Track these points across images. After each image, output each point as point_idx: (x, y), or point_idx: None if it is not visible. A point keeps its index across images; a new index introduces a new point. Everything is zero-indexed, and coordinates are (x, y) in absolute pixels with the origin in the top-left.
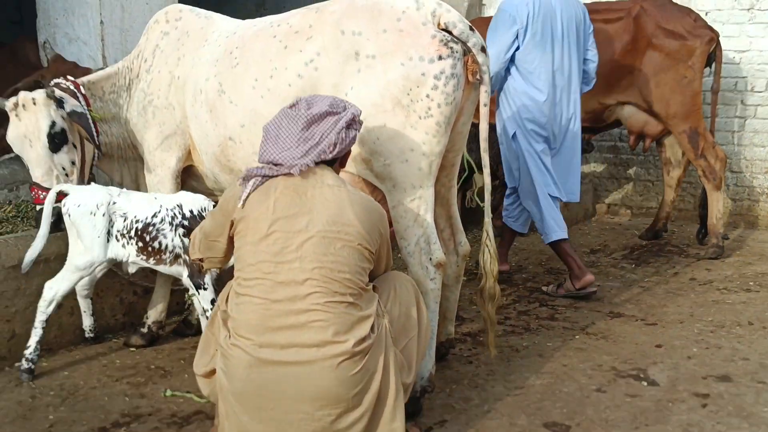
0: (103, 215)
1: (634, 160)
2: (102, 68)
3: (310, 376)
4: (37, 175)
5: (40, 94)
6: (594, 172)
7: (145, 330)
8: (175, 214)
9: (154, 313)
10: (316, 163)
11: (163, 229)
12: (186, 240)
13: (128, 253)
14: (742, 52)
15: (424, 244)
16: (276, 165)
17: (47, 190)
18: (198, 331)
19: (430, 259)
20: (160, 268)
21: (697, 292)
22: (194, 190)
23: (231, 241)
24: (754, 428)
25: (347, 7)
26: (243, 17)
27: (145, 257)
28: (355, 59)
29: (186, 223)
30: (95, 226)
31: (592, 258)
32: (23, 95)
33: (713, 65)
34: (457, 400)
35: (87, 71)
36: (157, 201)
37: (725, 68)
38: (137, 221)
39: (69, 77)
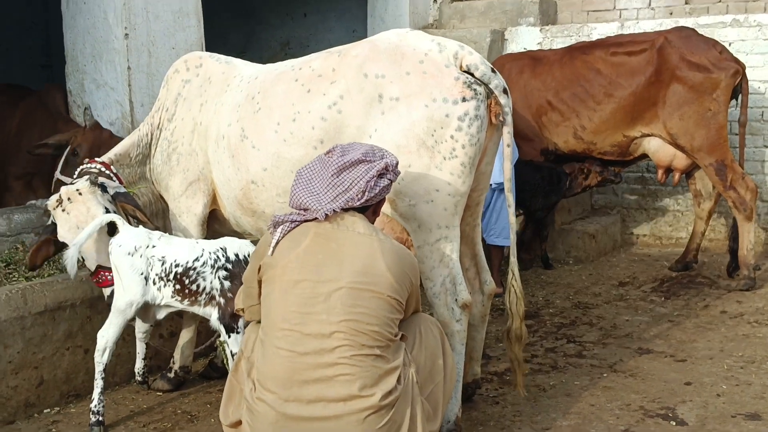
0: (141, 257)
1: (662, 190)
2: (129, 121)
3: (337, 431)
4: (102, 258)
5: (83, 184)
6: (622, 203)
7: (171, 374)
8: (218, 257)
9: (181, 357)
10: (347, 210)
11: (203, 272)
12: (226, 282)
13: (162, 296)
14: (767, 83)
15: (449, 285)
16: (305, 210)
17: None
18: (224, 374)
19: (456, 300)
20: (193, 308)
21: (727, 325)
22: (216, 233)
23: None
24: None
25: (370, 51)
26: (268, 56)
27: (180, 298)
28: (379, 102)
29: (229, 266)
30: (133, 267)
31: (621, 291)
32: (65, 190)
33: (740, 97)
34: None
35: (119, 140)
36: (199, 245)
37: (751, 98)
38: (177, 265)
39: (96, 159)
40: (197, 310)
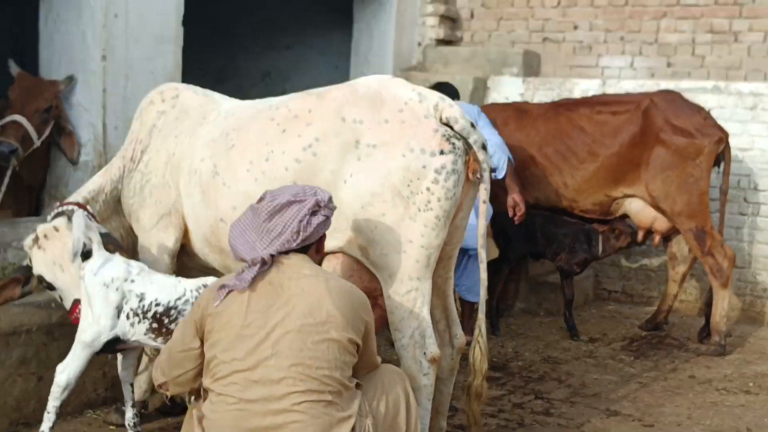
0: (117, 290)
1: (636, 249)
2: (101, 138)
3: None
4: (80, 293)
5: (60, 221)
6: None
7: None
8: (200, 294)
9: (138, 391)
10: (287, 253)
11: (184, 310)
12: None
13: (135, 332)
14: (745, 151)
15: (419, 338)
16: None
17: None
18: (183, 410)
19: (425, 353)
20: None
21: (696, 391)
22: (185, 267)
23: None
24: None
25: (349, 95)
26: (248, 85)
27: (154, 336)
28: (356, 147)
29: None
30: (107, 299)
31: (591, 347)
32: (41, 228)
33: (722, 164)
34: None
35: (54, 84)
36: (181, 284)
37: None
38: (158, 304)
39: (70, 200)
40: None
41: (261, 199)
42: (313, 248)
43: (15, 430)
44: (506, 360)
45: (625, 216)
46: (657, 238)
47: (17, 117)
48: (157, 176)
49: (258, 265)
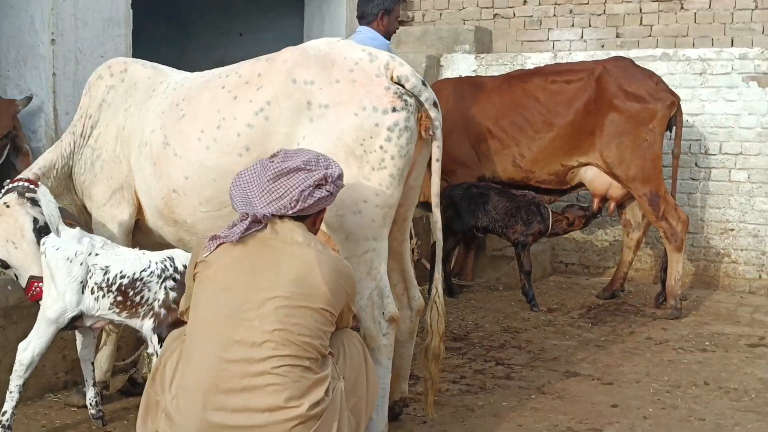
0: (81, 264)
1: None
2: (53, 125)
3: None
4: (35, 270)
5: (10, 197)
6: None
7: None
8: (166, 266)
9: (99, 372)
10: (284, 217)
11: (150, 283)
12: (172, 293)
13: (99, 307)
14: (695, 116)
15: (377, 298)
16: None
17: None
18: None
19: (383, 313)
20: (130, 320)
21: (653, 351)
22: (140, 244)
23: None
24: None
25: (299, 57)
26: None
27: (118, 310)
28: (308, 109)
29: (177, 276)
30: (70, 273)
31: (549, 317)
32: None
33: (674, 129)
34: None
35: (11, 105)
36: (146, 257)
37: None
38: (123, 276)
39: (21, 177)
40: (133, 321)
41: (274, 156)
42: (310, 219)
43: None
44: (467, 331)
45: (580, 185)
46: (612, 206)
47: None
48: (107, 151)
49: (248, 221)
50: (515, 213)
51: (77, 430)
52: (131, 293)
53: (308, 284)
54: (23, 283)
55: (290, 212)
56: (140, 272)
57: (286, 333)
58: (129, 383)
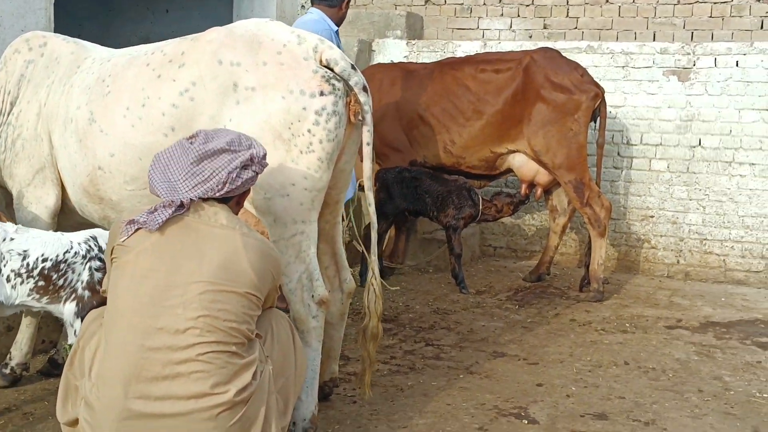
0: None
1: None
2: None
3: (186, 427)
4: None
5: None
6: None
7: (7, 371)
8: (90, 246)
9: (19, 354)
10: (207, 200)
11: (74, 263)
12: (97, 274)
13: (17, 294)
14: (617, 107)
15: (306, 281)
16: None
17: None
18: None
19: (312, 296)
20: (50, 306)
21: (576, 332)
22: (61, 226)
23: None
24: None
25: (225, 37)
26: None
27: (38, 296)
28: (234, 91)
29: (102, 256)
30: None
31: (478, 299)
32: None
33: (598, 119)
34: None
35: None
36: (66, 237)
37: None
38: (45, 260)
39: None
40: (53, 307)
41: (193, 137)
42: (234, 200)
43: None
44: (397, 313)
45: (509, 170)
46: (539, 191)
47: None
48: (28, 129)
49: (173, 208)
50: (447, 197)
51: None
52: (54, 276)
53: (234, 269)
54: None
55: (217, 194)
56: (63, 254)
57: (212, 319)
58: (49, 364)
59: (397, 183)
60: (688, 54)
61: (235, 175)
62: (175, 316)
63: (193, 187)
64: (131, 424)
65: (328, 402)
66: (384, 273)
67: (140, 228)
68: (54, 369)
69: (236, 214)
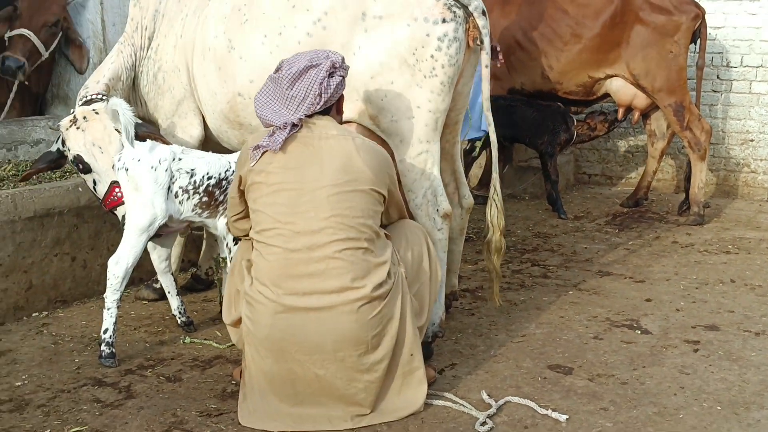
0: (166, 170)
1: (614, 132)
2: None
3: (332, 320)
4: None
5: (99, 105)
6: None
7: (157, 285)
8: None
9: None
10: (313, 116)
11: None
12: None
13: (183, 210)
14: (717, 29)
15: (431, 197)
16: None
17: None
18: (209, 286)
19: (437, 210)
20: (209, 220)
21: (679, 253)
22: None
23: (243, 196)
24: (743, 370)
25: None
26: None
27: (200, 211)
28: (362, 19)
29: None
30: (157, 181)
31: (577, 224)
32: (80, 110)
33: (698, 41)
34: (464, 347)
35: None
36: (224, 158)
37: None
38: (209, 177)
39: (95, 92)
40: (210, 221)
41: (278, 69)
42: (333, 109)
43: (54, 307)
44: None
45: (606, 95)
46: (636, 115)
47: (25, 31)
48: (168, 62)
49: (288, 128)
50: (542, 123)
51: (152, 320)
52: (217, 193)
53: (351, 170)
54: (103, 188)
55: (317, 108)
56: (225, 172)
57: (342, 217)
58: (193, 280)
59: (493, 111)
60: None
61: (326, 84)
62: (309, 219)
63: (295, 110)
64: (285, 317)
65: (448, 313)
66: (479, 201)
67: (266, 151)
68: (197, 284)
69: (340, 123)
